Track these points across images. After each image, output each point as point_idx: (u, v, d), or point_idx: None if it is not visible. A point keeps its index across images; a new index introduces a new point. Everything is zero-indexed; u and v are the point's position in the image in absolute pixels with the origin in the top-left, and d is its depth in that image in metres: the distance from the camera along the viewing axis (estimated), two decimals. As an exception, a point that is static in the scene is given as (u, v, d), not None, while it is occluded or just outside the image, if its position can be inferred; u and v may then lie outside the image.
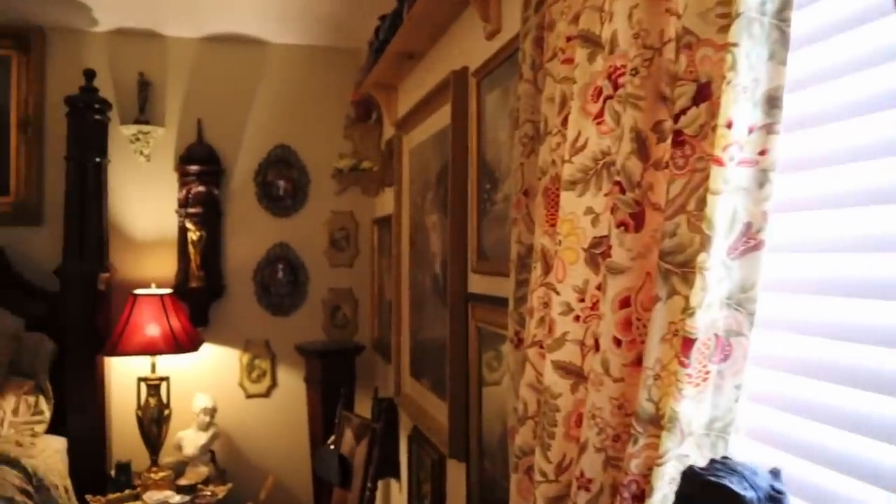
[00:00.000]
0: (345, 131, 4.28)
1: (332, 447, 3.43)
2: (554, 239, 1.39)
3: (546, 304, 1.40)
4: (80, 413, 3.63)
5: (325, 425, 3.75)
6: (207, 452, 3.84)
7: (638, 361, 1.15)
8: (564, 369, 1.29)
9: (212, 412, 3.84)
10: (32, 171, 3.89)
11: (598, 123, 1.25)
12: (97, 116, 3.72)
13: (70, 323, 3.66)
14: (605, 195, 1.24)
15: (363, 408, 4.01)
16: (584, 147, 1.26)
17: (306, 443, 4.00)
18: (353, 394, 3.90)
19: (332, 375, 3.81)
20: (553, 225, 1.40)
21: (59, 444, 3.46)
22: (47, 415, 3.49)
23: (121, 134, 3.93)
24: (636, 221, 1.13)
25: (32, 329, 3.68)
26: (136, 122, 3.94)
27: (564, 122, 1.37)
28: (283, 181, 4.21)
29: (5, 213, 3.85)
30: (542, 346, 1.42)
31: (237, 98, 4.16)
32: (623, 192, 1.14)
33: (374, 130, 4.20)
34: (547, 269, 1.41)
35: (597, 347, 1.18)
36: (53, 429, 3.49)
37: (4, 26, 3.86)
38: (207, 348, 4.01)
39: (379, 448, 3.22)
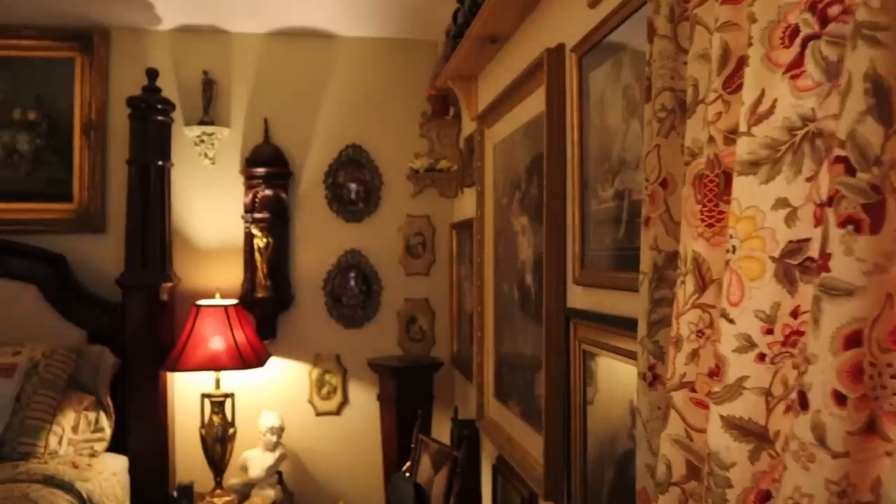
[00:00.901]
0: (420, 129, 3.96)
1: (407, 475, 3.10)
2: (715, 243, 1.01)
3: (702, 334, 1.03)
4: (141, 430, 3.43)
5: (399, 448, 3.43)
6: (274, 474, 3.58)
7: (871, 428, 0.77)
8: (740, 429, 0.91)
9: (279, 431, 3.57)
10: (96, 177, 3.72)
11: (795, 77, 0.86)
12: (160, 117, 3.52)
13: (132, 335, 3.46)
14: (809, 179, 0.85)
15: (441, 430, 3.67)
16: (770, 112, 0.88)
17: (379, 466, 3.68)
18: (430, 415, 3.57)
19: (407, 394, 3.49)
20: (712, 224, 1.02)
21: (118, 463, 3.25)
22: (108, 432, 3.29)
23: (184, 136, 3.73)
24: (873, 217, 0.75)
25: (95, 341, 3.50)
26: (201, 122, 3.72)
27: (728, 82, 0.99)
28: (354, 183, 3.93)
29: (68, 221, 3.70)
30: (693, 390, 1.05)
31: (306, 96, 3.90)
32: (851, 172, 0.75)
33: (452, 127, 3.87)
34: (703, 286, 1.03)
35: (803, 404, 0.80)
36: (114, 447, 3.29)
37: (67, 28, 3.71)
38: (275, 362, 3.76)
39: (460, 479, 2.86)
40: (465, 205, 3.70)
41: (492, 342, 3.01)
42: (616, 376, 1.74)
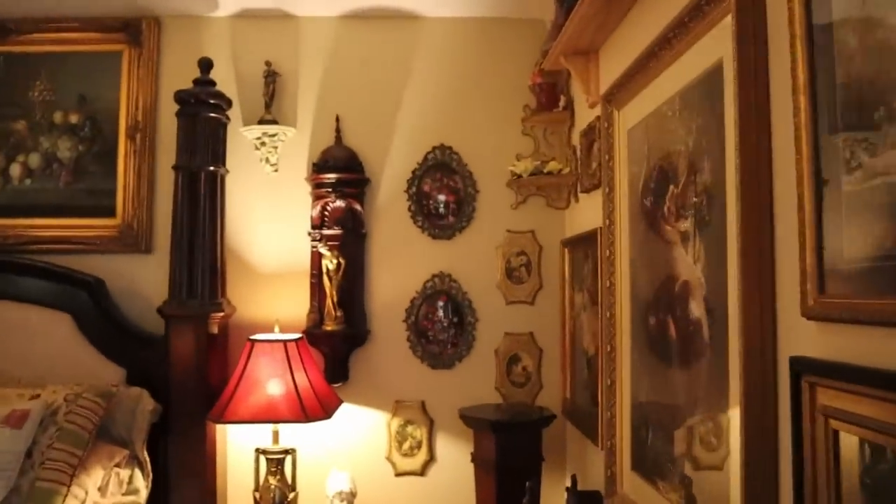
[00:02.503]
0: (523, 125, 3.24)
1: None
2: None
3: None
4: (184, 492, 2.81)
5: (500, 526, 2.67)
6: (345, 551, 2.87)
7: None
8: None
9: (350, 497, 2.87)
10: (142, 188, 3.17)
11: None
12: (213, 114, 2.94)
13: (176, 376, 2.86)
14: None
15: (553, 500, 2.89)
16: None
17: (474, 545, 2.92)
18: (539, 483, 2.79)
19: (510, 455, 2.72)
20: None
21: (155, 536, 2.62)
22: (143, 494, 2.68)
23: (242, 138, 3.14)
24: None
25: (135, 382, 2.91)
26: (262, 122, 3.12)
27: None
28: (443, 193, 3.23)
29: (111, 238, 3.15)
30: None
31: (385, 89, 3.26)
32: None
33: (562, 122, 3.13)
34: None
35: None
36: (151, 514, 2.67)
37: (113, 18, 3.21)
38: (346, 410, 3.07)
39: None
40: (581, 215, 2.94)
41: (628, 394, 2.22)
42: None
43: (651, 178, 2.03)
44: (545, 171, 3.06)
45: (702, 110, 1.68)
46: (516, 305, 3.23)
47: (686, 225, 1.77)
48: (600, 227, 2.46)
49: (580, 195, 2.94)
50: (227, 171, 3.02)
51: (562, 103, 3.10)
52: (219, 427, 2.93)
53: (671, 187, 1.87)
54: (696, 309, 1.69)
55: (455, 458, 3.16)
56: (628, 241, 2.23)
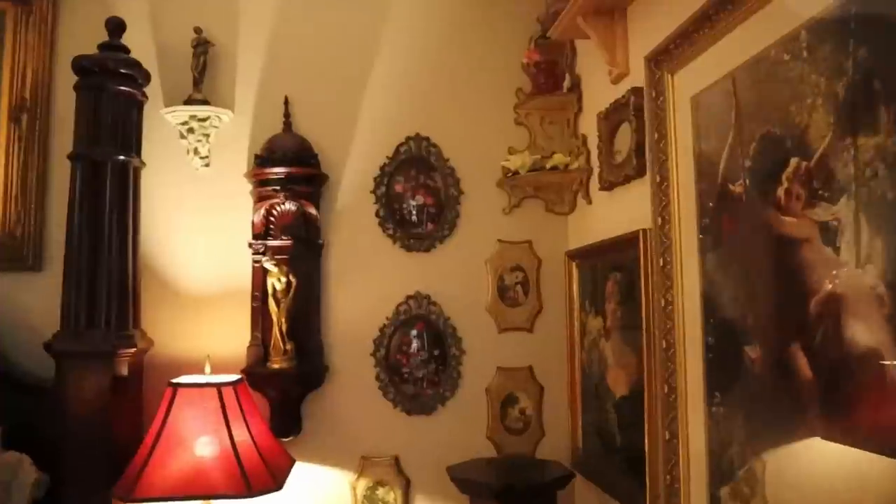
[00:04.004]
0: (516, 113, 2.66)
1: None
2: None
3: None
4: None
5: None
6: None
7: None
8: None
9: (306, 591, 2.18)
10: (30, 186, 2.45)
11: None
12: (124, 88, 2.25)
13: (70, 436, 2.12)
14: None
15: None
16: None
17: None
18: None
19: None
20: None
21: None
22: None
23: (164, 123, 2.46)
24: None
25: (15, 444, 2.16)
26: (189, 102, 2.45)
27: None
28: (419, 195, 2.61)
29: (-16, 253, 2.40)
30: None
31: (346, 66, 2.63)
32: None
33: (565, 107, 2.57)
34: None
35: None
36: None
37: (-3, -33, 2.50)
38: (300, 471, 2.38)
39: None
40: (599, 219, 2.37)
41: (702, 450, 1.62)
42: None
43: (746, 153, 1.45)
44: (548, 166, 2.48)
45: (868, 35, 1.12)
46: (511, 333, 2.62)
47: (832, 211, 1.19)
48: (644, 230, 1.88)
49: (597, 194, 2.36)
50: (143, 165, 2.32)
51: (566, 84, 2.54)
52: (128, 503, 2.18)
53: (794, 161, 1.30)
54: (867, 334, 1.11)
55: (438, 527, 2.51)
56: (696, 246, 1.65)
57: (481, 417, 2.58)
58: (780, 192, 1.34)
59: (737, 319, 1.49)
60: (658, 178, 1.79)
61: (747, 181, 1.45)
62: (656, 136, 1.80)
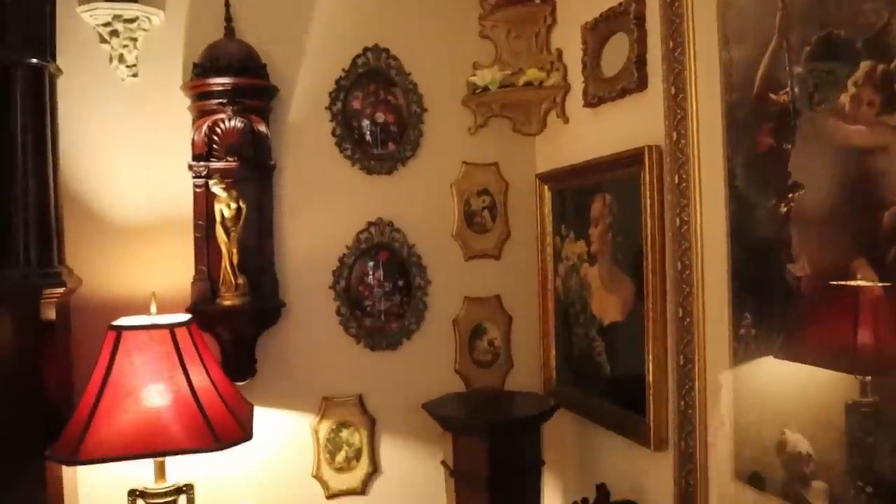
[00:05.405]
0: (481, 24, 2.44)
1: None
2: None
3: None
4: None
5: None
6: None
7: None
8: None
9: (275, 544, 2.00)
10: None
11: None
12: (30, -22, 1.86)
13: (-11, 390, 1.81)
14: None
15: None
16: None
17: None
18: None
19: (508, 464, 1.99)
20: None
21: None
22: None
23: (82, 25, 2.08)
24: None
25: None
26: (111, -1, 2.08)
27: None
28: (380, 112, 2.37)
29: None
30: None
31: (291, -36, 2.31)
32: None
33: (535, 20, 2.39)
34: None
35: None
36: None
37: None
38: (256, 416, 2.16)
39: None
40: (565, 141, 2.24)
41: (728, 378, 1.55)
42: None
43: (795, 59, 1.33)
44: (521, 82, 2.30)
45: None
46: (478, 261, 2.47)
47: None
48: (650, 147, 1.75)
49: (577, 112, 2.21)
50: (60, 72, 1.96)
51: (538, -8, 2.34)
52: (66, 467, 1.91)
53: (865, 64, 1.18)
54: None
55: (407, 466, 2.38)
56: (722, 162, 1.54)
57: (448, 350, 2.43)
58: (845, 98, 1.23)
59: (775, 237, 1.39)
60: (673, 91, 1.66)
61: (796, 89, 1.34)
62: (671, 44, 1.66)
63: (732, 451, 1.53)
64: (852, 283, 1.21)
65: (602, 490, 1.92)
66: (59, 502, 1.91)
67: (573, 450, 2.31)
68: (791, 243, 1.35)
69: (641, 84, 1.83)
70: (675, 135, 1.65)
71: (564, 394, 2.29)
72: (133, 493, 1.88)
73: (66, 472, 1.95)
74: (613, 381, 2.02)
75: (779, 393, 1.39)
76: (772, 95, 1.39)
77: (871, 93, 1.18)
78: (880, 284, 1.16)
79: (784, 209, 1.36)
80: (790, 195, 1.35)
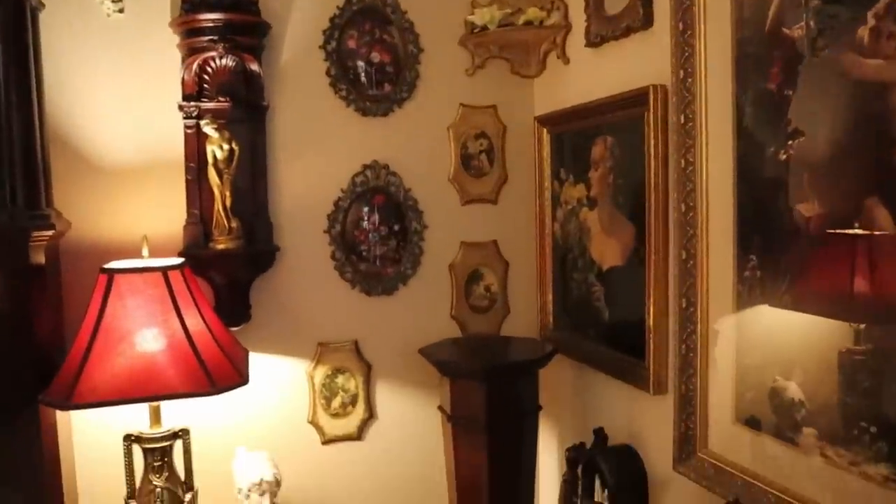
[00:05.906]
0: (478, -42, 2.36)
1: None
2: None
3: None
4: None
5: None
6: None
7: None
8: None
9: (273, 487, 2.00)
10: None
11: None
12: None
13: (-22, 334, 1.78)
14: None
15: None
16: None
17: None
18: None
19: (505, 408, 2.00)
20: None
21: None
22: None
23: (62, -46, 1.99)
24: None
25: None
26: (92, -72, 1.98)
27: None
28: (375, 52, 2.30)
29: None
30: None
31: None
32: None
33: (536, -49, 2.30)
34: None
35: None
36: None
37: None
38: (251, 362, 2.15)
39: None
40: (565, 83, 2.18)
41: (730, 322, 1.53)
42: None
43: (813, -13, 1.28)
44: (521, 21, 2.23)
45: None
46: (475, 206, 2.43)
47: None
48: (656, 86, 1.70)
49: (579, 53, 2.15)
50: (43, 6, 1.88)
51: (539, -76, 2.26)
52: (61, 412, 1.89)
53: (884, -9, 1.14)
54: None
55: (402, 412, 2.38)
56: (731, 100, 1.49)
57: (445, 296, 2.41)
58: (863, 32, 1.18)
59: (784, 177, 1.36)
60: (681, 27, 1.60)
61: (811, 23, 1.29)
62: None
63: (733, 394, 1.52)
64: (850, 231, 1.20)
65: (600, 434, 1.93)
66: (53, 449, 1.90)
67: (571, 395, 2.31)
68: (801, 183, 1.32)
69: (647, 22, 1.77)
70: (681, 73, 1.60)
71: (562, 339, 2.28)
72: (128, 438, 1.87)
73: (61, 418, 1.94)
74: (612, 325, 2.01)
75: (779, 337, 1.38)
76: (785, 31, 1.34)
77: (891, 25, 1.13)
78: (878, 233, 1.14)
79: (794, 148, 1.33)
80: (801, 133, 1.31)
